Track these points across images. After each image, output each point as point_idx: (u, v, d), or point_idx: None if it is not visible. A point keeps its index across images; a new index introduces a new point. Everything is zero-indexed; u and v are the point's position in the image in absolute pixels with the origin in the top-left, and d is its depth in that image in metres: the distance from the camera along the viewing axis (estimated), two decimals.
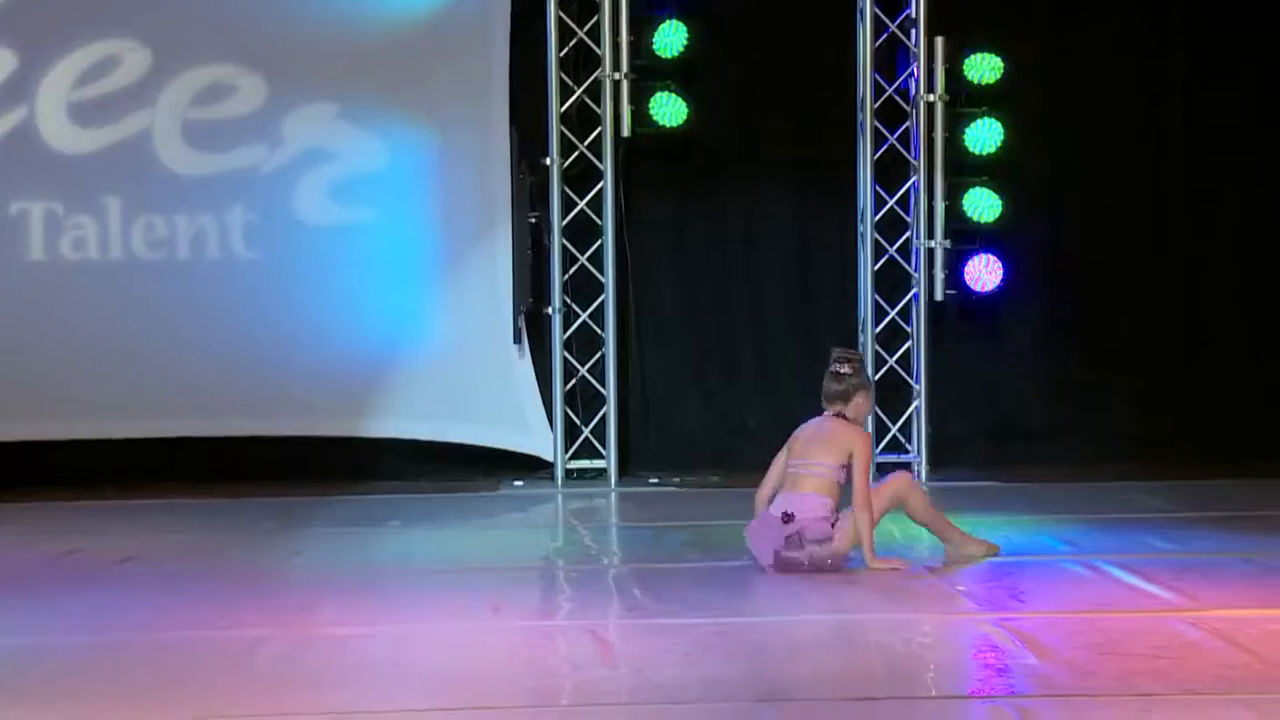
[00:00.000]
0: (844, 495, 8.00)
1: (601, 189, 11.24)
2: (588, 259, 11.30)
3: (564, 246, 11.27)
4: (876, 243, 11.32)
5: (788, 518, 7.86)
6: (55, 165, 11.07)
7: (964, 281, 11.18)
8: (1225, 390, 11.54)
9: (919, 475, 11.19)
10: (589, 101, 11.27)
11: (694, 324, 11.49)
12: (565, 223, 11.28)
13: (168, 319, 11.19)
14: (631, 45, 11.13)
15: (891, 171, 11.36)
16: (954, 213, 11.19)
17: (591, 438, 11.28)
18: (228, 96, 11.16)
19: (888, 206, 11.35)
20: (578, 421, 11.28)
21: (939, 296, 11.21)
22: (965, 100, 11.22)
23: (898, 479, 8.25)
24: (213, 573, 8.33)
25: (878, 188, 11.31)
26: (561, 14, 11.23)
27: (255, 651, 6.53)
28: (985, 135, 11.19)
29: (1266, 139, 11.45)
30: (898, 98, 11.35)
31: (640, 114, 11.16)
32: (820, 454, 7.94)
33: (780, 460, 8.13)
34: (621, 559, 8.70)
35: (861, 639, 6.80)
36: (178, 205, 11.17)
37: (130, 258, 11.18)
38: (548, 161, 11.22)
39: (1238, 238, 11.58)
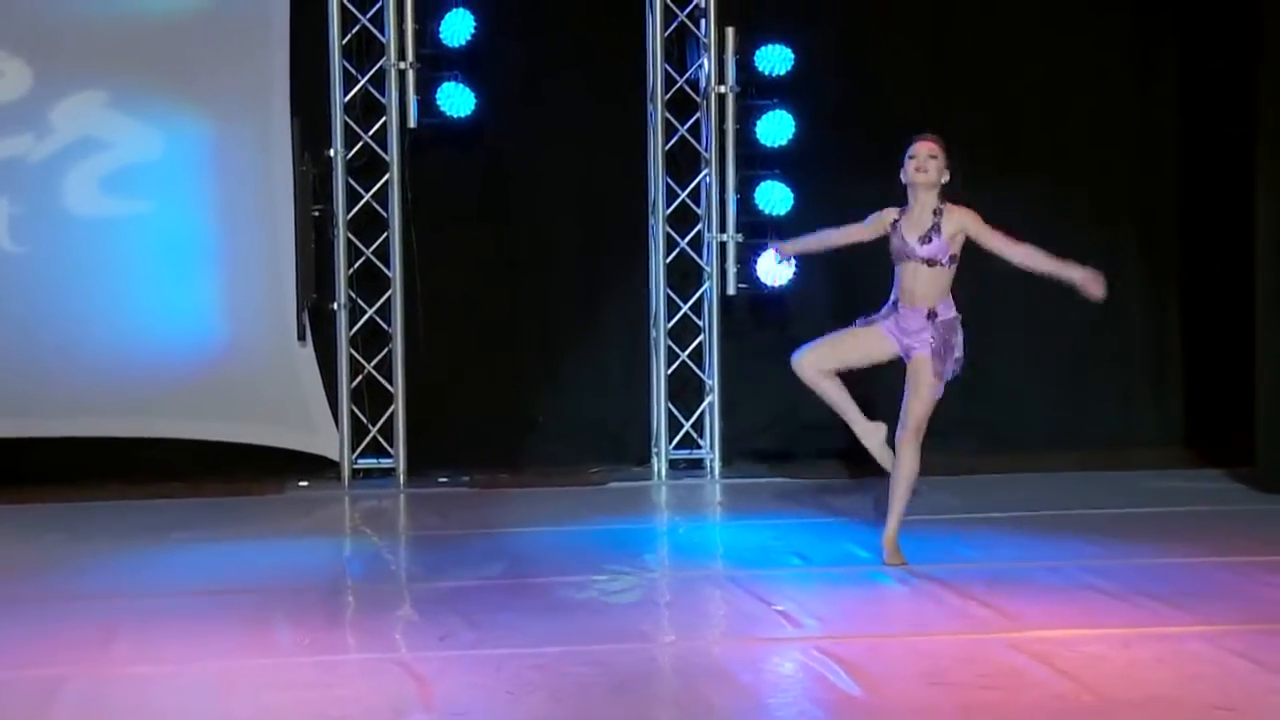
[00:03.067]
0: None
1: (387, 181, 10.95)
2: (374, 252, 11.01)
3: (349, 240, 10.97)
4: (668, 235, 11.19)
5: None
6: None
7: (755, 275, 11.09)
8: (1002, 381, 11.59)
9: (712, 473, 11.11)
10: (373, 91, 10.97)
11: (483, 318, 11.26)
12: (350, 216, 10.98)
13: None
14: (417, 33, 10.83)
15: (683, 163, 11.23)
16: (746, 205, 11.09)
17: (379, 437, 11.01)
18: None
19: (679, 199, 11.22)
20: (365, 420, 11.00)
21: (731, 290, 11.10)
22: (756, 91, 11.12)
23: None
24: None
25: (669, 180, 11.17)
26: (345, 1, 10.89)
27: (53, 697, 6.20)
28: (776, 126, 11.11)
29: (1040, 128, 11.51)
30: (688, 88, 11.22)
31: (426, 104, 10.89)
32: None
33: None
34: (423, 574, 8.47)
35: (684, 671, 6.65)
36: None
37: None
38: (331, 153, 10.90)
39: (1011, 224, 11.61)
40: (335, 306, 10.91)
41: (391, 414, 10.99)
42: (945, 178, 8.28)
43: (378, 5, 10.91)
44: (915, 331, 8.11)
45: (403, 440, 10.97)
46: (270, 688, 6.38)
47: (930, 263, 8.12)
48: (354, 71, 10.94)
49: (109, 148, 10.80)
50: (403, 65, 10.83)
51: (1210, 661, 6.42)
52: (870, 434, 8.31)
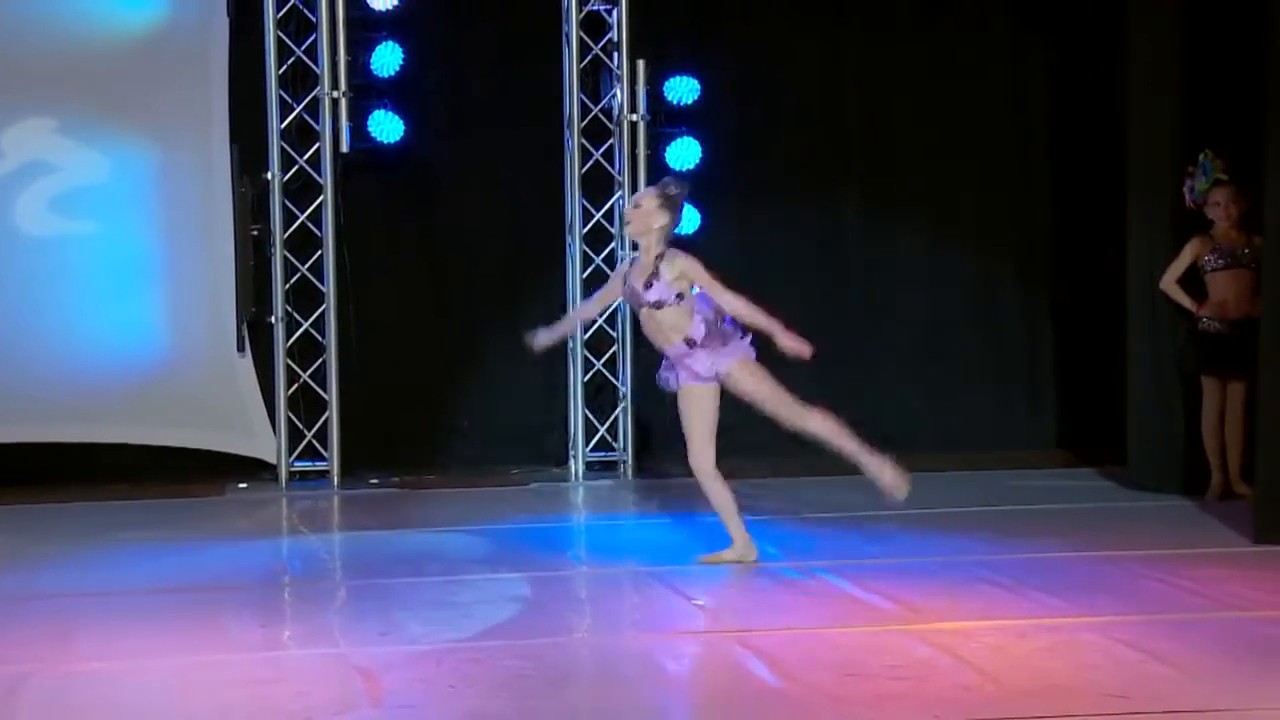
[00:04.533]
0: None
1: (321, 202, 10.81)
2: (309, 269, 10.86)
3: (285, 257, 10.82)
4: (584, 253, 11.11)
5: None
6: None
7: None
8: (892, 389, 11.59)
9: (626, 474, 11.04)
10: (308, 118, 10.82)
11: (412, 330, 11.14)
12: (287, 235, 10.83)
13: None
14: (349, 64, 10.71)
15: (597, 186, 11.15)
16: None
17: (314, 441, 10.87)
18: None
19: (594, 219, 11.14)
20: (300, 425, 10.85)
21: None
22: (665, 119, 11.06)
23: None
24: None
25: (584, 202, 11.10)
26: (280, 33, 10.75)
27: (17, 692, 6.03)
28: (684, 152, 11.06)
29: (926, 156, 11.53)
30: (602, 117, 11.15)
31: (358, 130, 10.76)
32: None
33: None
34: (360, 572, 8.34)
35: (613, 663, 6.57)
36: None
37: None
38: (269, 176, 10.76)
39: (907, 241, 11.63)
40: (273, 319, 10.77)
41: (326, 419, 10.84)
42: (660, 222, 7.89)
43: (311, 38, 10.77)
44: (688, 363, 7.90)
45: (336, 444, 10.83)
46: (228, 684, 6.22)
47: (658, 305, 7.87)
48: (289, 100, 10.80)
49: (57, 170, 10.62)
50: (335, 94, 10.70)
51: (1101, 651, 6.40)
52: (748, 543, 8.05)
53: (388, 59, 10.79)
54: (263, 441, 10.80)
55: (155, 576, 8.18)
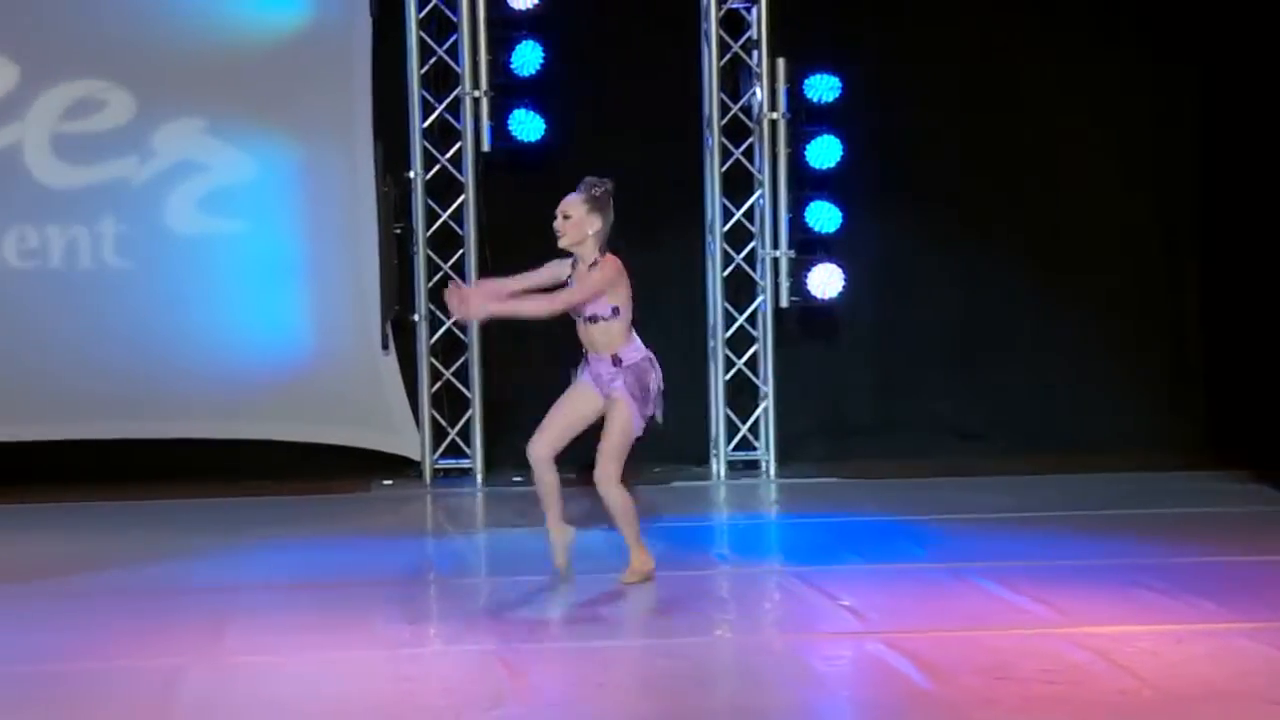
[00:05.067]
0: None
1: (463, 201, 10.84)
2: (451, 267, 10.88)
3: (428, 256, 10.85)
4: (725, 252, 11.05)
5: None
6: None
7: (806, 288, 10.94)
8: (1034, 386, 11.43)
9: (768, 472, 10.97)
10: (449, 117, 10.85)
11: (553, 329, 11.06)
12: (429, 233, 10.87)
13: (40, 327, 10.62)
14: (490, 63, 10.72)
15: (737, 185, 11.09)
16: (797, 223, 10.94)
17: (458, 439, 10.89)
18: (97, 111, 10.59)
19: (734, 219, 11.08)
20: (444, 423, 10.88)
21: (784, 303, 10.96)
22: (805, 117, 10.97)
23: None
24: (109, 589, 7.82)
25: (724, 200, 11.04)
26: (422, 34, 10.80)
27: (174, 685, 6.08)
28: (824, 150, 10.96)
29: (1079, 137, 11.29)
30: (742, 115, 11.08)
31: (499, 129, 10.77)
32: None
33: None
34: (505, 569, 8.33)
35: (760, 663, 6.51)
36: (49, 216, 10.57)
37: (3, 267, 10.55)
38: (411, 175, 10.80)
39: (1053, 239, 11.45)
40: (416, 318, 10.81)
41: (469, 417, 10.86)
42: (594, 227, 7.62)
43: (453, 38, 10.80)
44: (608, 380, 7.67)
45: (479, 442, 10.84)
46: (377, 679, 6.25)
47: (592, 319, 7.60)
48: (431, 99, 10.84)
49: (206, 170, 10.72)
50: (477, 93, 10.72)
51: (1258, 657, 6.26)
52: (559, 534, 7.76)
53: (528, 58, 10.79)
54: (407, 439, 10.85)
55: (303, 572, 8.24)
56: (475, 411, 10.86)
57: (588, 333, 7.62)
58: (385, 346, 10.77)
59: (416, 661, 6.51)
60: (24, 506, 10.05)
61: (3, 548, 9.04)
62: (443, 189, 10.88)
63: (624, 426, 7.53)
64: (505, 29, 10.81)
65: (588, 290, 7.48)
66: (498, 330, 10.90)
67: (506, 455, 10.89)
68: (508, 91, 10.81)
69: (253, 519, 9.62)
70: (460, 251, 10.87)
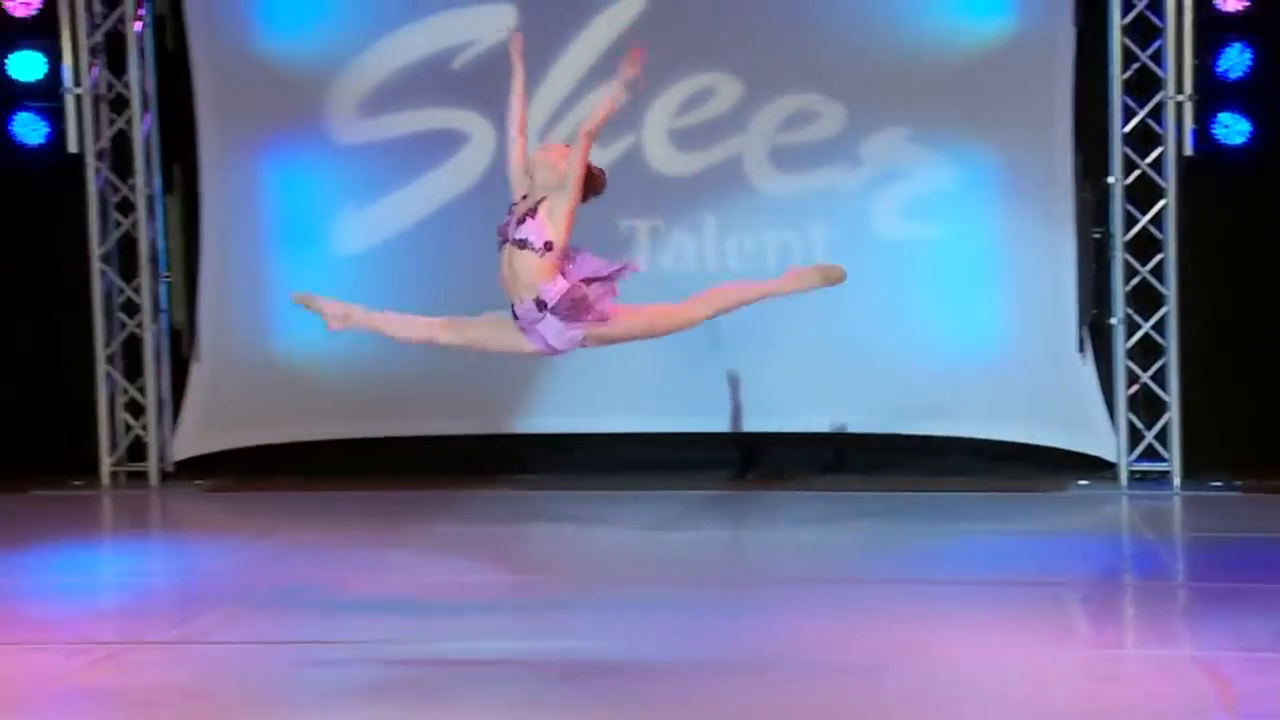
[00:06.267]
0: None
1: (1164, 206, 10.74)
2: (1149, 271, 10.80)
3: (1126, 260, 10.81)
4: None
5: None
6: (658, 186, 11.18)
7: None
8: None
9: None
10: (1151, 122, 10.76)
11: (1254, 334, 10.85)
12: (1128, 238, 10.81)
13: (751, 324, 11.15)
14: (1195, 67, 10.57)
15: None
16: None
17: (1154, 442, 10.81)
18: (811, 122, 11.08)
19: None
20: (1140, 426, 10.82)
21: None
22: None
23: None
24: (815, 580, 8.23)
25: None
26: (1125, 40, 10.74)
27: (878, 675, 6.37)
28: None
29: None
30: None
31: (1202, 132, 10.62)
32: None
33: None
34: (1203, 574, 8.24)
35: None
36: (765, 223, 11.16)
37: (723, 270, 11.19)
38: (1110, 180, 10.78)
39: None
40: (1113, 321, 10.80)
41: (1166, 421, 10.76)
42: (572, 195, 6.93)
43: (1157, 42, 10.70)
44: (538, 329, 6.94)
45: (1177, 446, 10.73)
46: (1075, 679, 6.35)
47: (521, 244, 6.88)
48: (1132, 104, 10.78)
49: (909, 177, 11.04)
50: (1180, 97, 10.60)
51: None
52: None
53: (1236, 60, 10.58)
54: (1103, 440, 10.85)
55: (1001, 568, 8.42)
56: (1173, 414, 10.75)
57: (511, 268, 6.99)
58: (1081, 349, 10.81)
59: (1114, 663, 6.58)
60: (735, 494, 10.62)
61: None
62: (1142, 194, 10.80)
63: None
64: (1212, 31, 10.62)
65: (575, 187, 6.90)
66: (1194, 333, 10.76)
67: (1204, 460, 10.74)
68: (1213, 95, 10.63)
69: (950, 513, 9.86)
70: (1159, 256, 10.78)
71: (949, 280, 11.00)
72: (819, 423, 11.14)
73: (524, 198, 6.97)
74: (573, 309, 6.84)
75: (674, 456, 11.25)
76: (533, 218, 6.75)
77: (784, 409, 11.14)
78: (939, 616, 7.31)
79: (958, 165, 10.98)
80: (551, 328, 6.91)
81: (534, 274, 6.80)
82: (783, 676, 6.40)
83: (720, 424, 11.20)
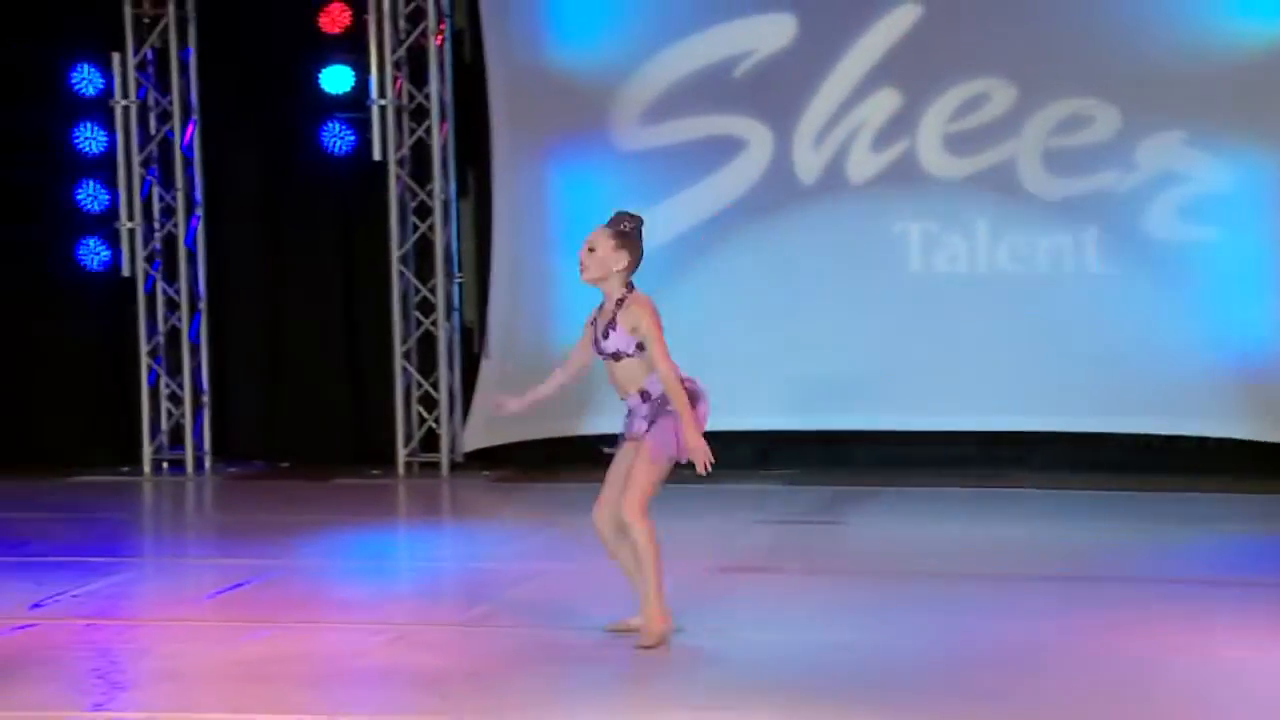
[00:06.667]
0: None
1: None
2: None
3: None
4: None
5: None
6: (932, 190, 11.37)
7: None
8: None
9: None
10: None
11: None
12: None
13: (1025, 326, 11.31)
14: None
15: None
16: None
17: None
18: (1085, 126, 11.19)
19: None
20: None
21: None
22: None
23: None
24: (1097, 577, 8.33)
25: None
26: None
27: (1154, 674, 6.47)
28: None
29: None
30: None
31: None
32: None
33: None
34: None
35: None
36: (1038, 225, 11.26)
37: (994, 272, 11.36)
38: None
39: None
40: None
41: None
42: (619, 264, 6.93)
43: None
44: (640, 417, 6.97)
45: None
46: None
47: (615, 357, 6.96)
48: None
49: (1186, 180, 11.07)
50: None
51: None
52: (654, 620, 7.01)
53: None
54: None
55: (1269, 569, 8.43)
56: None
57: (612, 372, 7.09)
58: None
59: None
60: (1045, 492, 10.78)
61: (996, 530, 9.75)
62: None
63: (647, 464, 6.96)
64: None
65: (658, 340, 6.92)
66: None
67: None
68: None
69: (1205, 514, 9.92)
70: None
71: (1224, 283, 11.00)
72: (1093, 423, 11.21)
73: (600, 308, 7.19)
74: (659, 413, 7.01)
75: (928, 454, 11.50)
76: (614, 330, 7.01)
77: (1056, 409, 11.23)
78: (1222, 617, 7.37)
79: (1235, 168, 10.97)
80: (640, 420, 7.08)
81: (636, 374, 7.04)
82: (1060, 672, 6.55)
83: (996, 423, 11.38)
